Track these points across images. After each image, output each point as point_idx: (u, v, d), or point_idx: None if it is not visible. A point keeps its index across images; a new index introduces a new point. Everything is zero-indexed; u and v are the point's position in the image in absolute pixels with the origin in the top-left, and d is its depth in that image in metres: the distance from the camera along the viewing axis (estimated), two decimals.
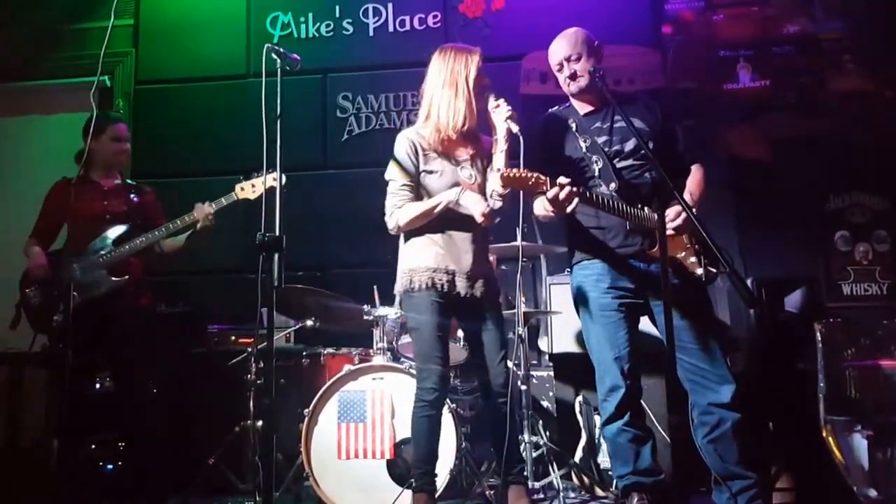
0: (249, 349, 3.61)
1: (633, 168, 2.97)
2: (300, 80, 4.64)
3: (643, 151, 2.89)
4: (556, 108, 3.14)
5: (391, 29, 4.94)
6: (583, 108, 3.09)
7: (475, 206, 2.84)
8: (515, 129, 2.80)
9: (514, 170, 2.64)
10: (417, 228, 2.92)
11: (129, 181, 3.73)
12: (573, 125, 3.04)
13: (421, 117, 3.00)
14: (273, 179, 2.81)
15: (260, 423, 3.38)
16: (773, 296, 3.46)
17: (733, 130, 4.54)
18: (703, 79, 4.63)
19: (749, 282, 3.66)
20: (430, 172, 2.94)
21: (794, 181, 4.34)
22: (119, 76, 5.02)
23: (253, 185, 3.29)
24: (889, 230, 4.21)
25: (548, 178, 2.68)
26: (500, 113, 2.88)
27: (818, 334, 2.40)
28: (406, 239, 2.99)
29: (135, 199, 3.64)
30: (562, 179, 2.68)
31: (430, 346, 2.89)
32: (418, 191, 2.96)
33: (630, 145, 2.97)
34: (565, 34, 3.04)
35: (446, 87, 2.94)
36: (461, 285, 2.90)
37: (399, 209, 2.95)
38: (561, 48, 3.01)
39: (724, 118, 4.58)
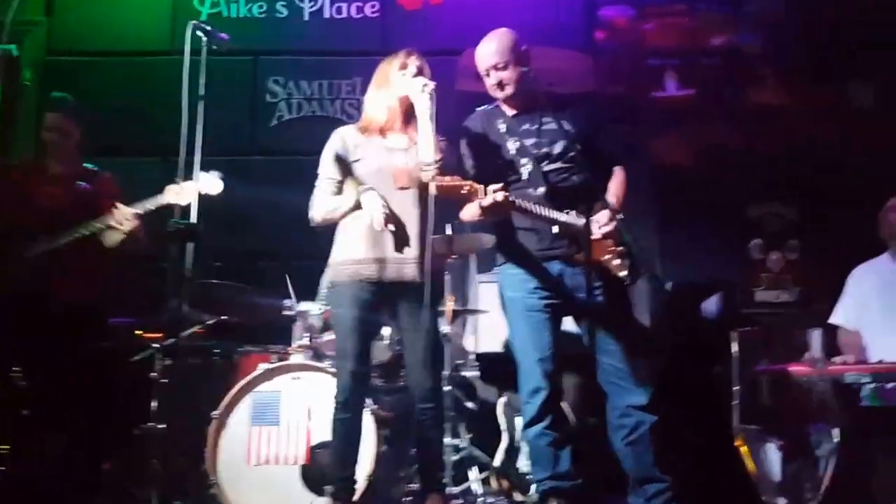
0: (155, 345, 3.39)
1: (561, 171, 2.99)
2: (229, 61, 4.45)
3: (571, 154, 2.93)
4: (485, 107, 3.13)
5: (327, 15, 4.86)
6: (510, 109, 3.09)
7: (373, 211, 2.83)
8: (424, 89, 2.81)
9: (447, 178, 2.65)
10: (351, 215, 2.91)
11: (87, 165, 3.53)
12: (502, 127, 3.04)
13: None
14: (208, 185, 2.83)
15: (163, 426, 3.17)
16: (691, 300, 3.58)
17: (659, 137, 4.63)
18: (632, 85, 4.72)
19: (668, 285, 3.74)
20: (357, 161, 2.96)
21: (714, 189, 4.44)
22: (28, 45, 4.69)
23: (182, 189, 3.04)
24: (800, 239, 4.34)
25: (481, 187, 2.69)
26: (415, 85, 2.88)
27: (734, 342, 2.40)
28: (340, 226, 2.98)
29: (84, 186, 3.45)
30: (495, 189, 2.71)
31: (348, 342, 2.84)
32: (342, 185, 2.98)
33: (558, 148, 2.99)
34: (492, 39, 3.01)
35: (373, 85, 3.05)
36: (394, 274, 2.86)
37: (317, 204, 2.98)
38: (488, 55, 2.99)
39: (650, 124, 4.67)
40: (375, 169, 2.95)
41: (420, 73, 2.93)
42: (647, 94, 4.71)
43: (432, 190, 2.61)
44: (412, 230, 2.89)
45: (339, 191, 2.99)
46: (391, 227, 2.84)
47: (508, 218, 2.92)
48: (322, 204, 2.96)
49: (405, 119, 2.99)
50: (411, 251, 2.87)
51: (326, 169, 3.00)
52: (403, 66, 2.97)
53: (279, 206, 4.01)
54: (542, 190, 2.93)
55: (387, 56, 3.07)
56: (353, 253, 2.91)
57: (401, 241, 2.88)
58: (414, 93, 2.87)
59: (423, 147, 2.81)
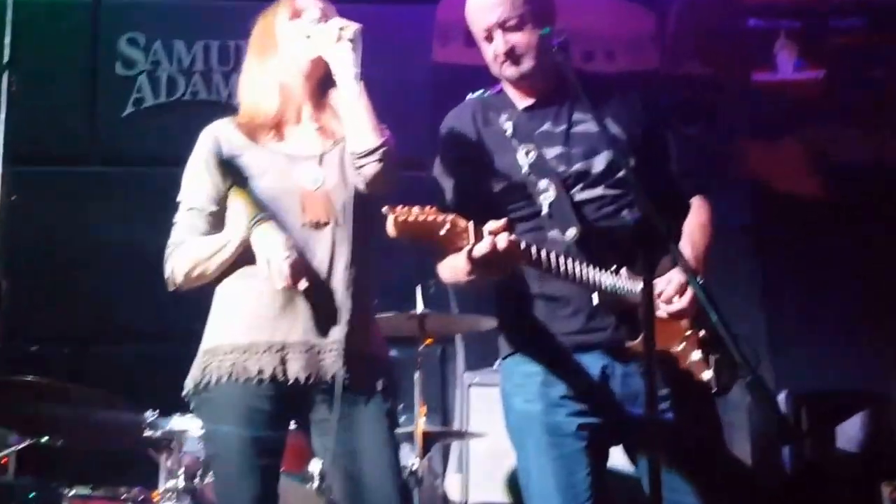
0: None
1: (605, 202, 3.05)
2: (53, 5, 4.51)
3: (621, 174, 2.98)
4: (481, 93, 3.23)
5: None
6: (523, 98, 3.15)
7: (272, 259, 2.85)
8: (341, 35, 2.93)
9: (409, 210, 2.64)
10: (233, 266, 2.97)
11: None
12: (508, 126, 3.11)
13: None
14: None
15: None
16: (820, 422, 3.54)
17: (762, 147, 4.65)
18: (721, 61, 4.71)
19: (782, 397, 3.69)
20: (243, 178, 3.02)
21: (854, 234, 4.42)
22: None
23: None
24: None
25: (471, 225, 2.70)
26: (325, 34, 2.97)
27: (886, 497, 2.35)
28: (218, 290, 3.05)
29: None
30: (495, 228, 2.72)
31: (236, 486, 2.87)
32: (218, 219, 3.03)
33: (600, 164, 3.05)
34: None
35: (251, 54, 3.14)
36: (308, 368, 2.90)
37: (177, 250, 3.02)
38: (490, 5, 3.05)
39: (749, 126, 4.69)
40: (271, 192, 3.00)
41: (324, 18, 3.01)
42: (746, 76, 4.74)
43: (390, 228, 2.61)
44: (339, 293, 2.94)
45: (215, 227, 3.03)
46: (303, 284, 2.87)
47: (518, 277, 2.97)
48: (186, 252, 2.99)
49: (315, 101, 3.08)
50: (337, 331, 2.91)
51: (192, 193, 3.06)
52: (296, 14, 3.05)
53: (134, 250, 4.10)
54: (572, 232, 2.98)
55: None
56: (237, 334, 2.93)
57: (321, 312, 2.92)
58: (325, 47, 2.93)
59: (354, 131, 2.89)
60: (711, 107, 4.49)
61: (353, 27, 2.89)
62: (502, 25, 3.04)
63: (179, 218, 3.04)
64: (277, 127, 3.07)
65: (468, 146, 3.11)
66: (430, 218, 2.66)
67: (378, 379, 2.96)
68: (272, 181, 3.00)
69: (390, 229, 2.61)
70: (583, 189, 3.05)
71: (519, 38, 3.05)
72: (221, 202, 3.04)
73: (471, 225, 2.70)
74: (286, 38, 3.04)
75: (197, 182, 3.05)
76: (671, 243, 2.72)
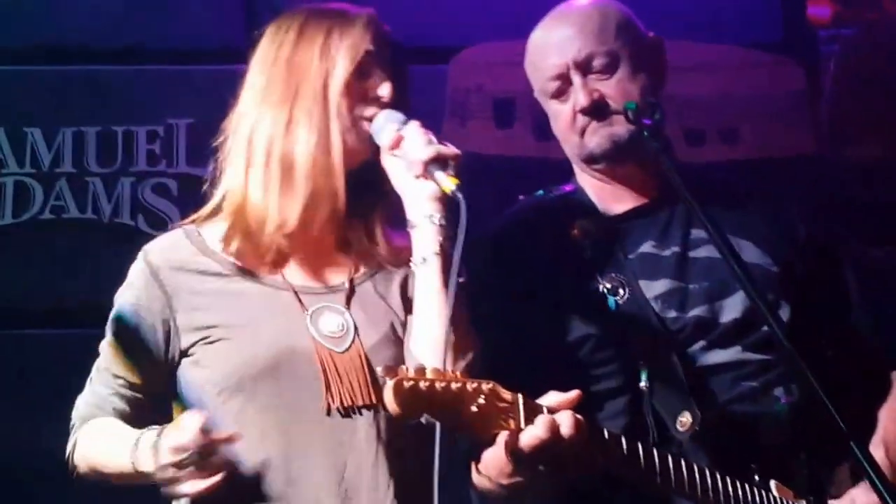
0: None
1: (743, 373, 2.57)
2: None
3: (763, 327, 2.51)
4: (542, 194, 2.84)
5: None
6: (611, 199, 2.74)
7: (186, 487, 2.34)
8: (450, 186, 2.35)
9: (421, 373, 2.15)
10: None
11: None
12: (585, 245, 2.67)
13: (212, 196, 2.61)
14: None
15: None
16: None
17: None
18: None
19: None
20: (211, 329, 2.47)
21: None
22: None
23: None
24: None
25: (518, 397, 2.22)
26: (414, 151, 2.39)
27: None
28: None
29: None
30: (555, 400, 2.25)
31: None
32: (154, 385, 2.54)
33: (734, 310, 2.58)
34: (573, 7, 2.74)
35: (274, 107, 2.52)
36: None
37: (79, 431, 2.57)
38: (564, 38, 2.66)
39: None
40: (263, 358, 2.45)
41: (395, 99, 2.47)
42: None
43: (390, 401, 2.13)
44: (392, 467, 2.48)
45: (140, 407, 2.52)
46: None
47: (597, 488, 2.53)
48: (84, 446, 2.54)
49: (351, 206, 2.54)
50: None
51: (115, 347, 2.56)
52: (361, 71, 2.49)
53: None
54: (688, 420, 2.50)
55: (282, 33, 2.59)
56: None
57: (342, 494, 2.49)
58: (403, 172, 2.42)
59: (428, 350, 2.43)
60: None
61: (451, 152, 2.37)
62: (584, 66, 2.61)
63: (94, 374, 2.59)
64: (277, 260, 2.55)
65: (519, 276, 2.63)
66: (457, 385, 2.18)
67: None
68: (268, 337, 2.48)
69: (391, 402, 2.12)
70: (706, 350, 2.57)
71: (610, 87, 2.61)
72: (160, 370, 2.54)
73: (520, 398, 2.24)
74: (338, 109, 2.48)
75: (126, 330, 2.62)
76: (853, 442, 2.12)
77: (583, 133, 2.60)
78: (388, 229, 2.61)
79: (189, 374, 2.50)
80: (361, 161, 2.50)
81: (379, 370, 2.17)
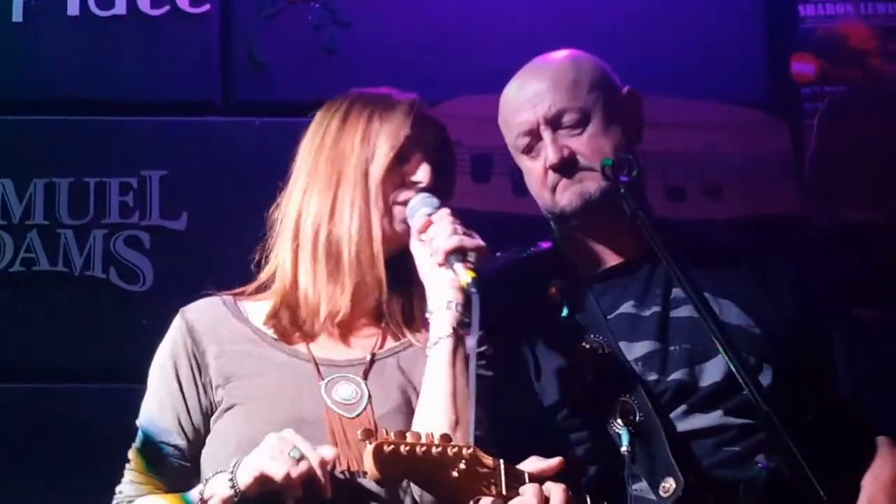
0: None
1: (725, 437, 2.53)
2: None
3: (743, 392, 2.37)
4: (517, 252, 2.83)
5: (73, 12, 4.15)
6: (589, 259, 2.72)
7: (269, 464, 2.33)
8: (466, 279, 2.38)
9: (401, 438, 2.18)
10: None
11: None
12: (563, 306, 2.64)
13: (262, 273, 2.69)
14: None
15: None
16: None
17: None
18: None
19: None
20: (233, 398, 2.52)
21: None
22: None
23: None
24: None
25: (500, 464, 2.23)
26: (438, 239, 2.43)
27: None
28: None
29: None
30: (537, 466, 2.26)
31: None
32: (188, 464, 2.55)
33: (715, 373, 2.53)
34: (546, 65, 2.71)
35: (320, 193, 2.58)
36: None
37: None
38: (534, 93, 2.64)
39: None
40: (272, 423, 2.46)
41: (433, 182, 2.52)
42: None
43: (369, 465, 2.14)
44: None
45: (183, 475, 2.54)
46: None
47: None
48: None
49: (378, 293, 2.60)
50: None
51: (151, 420, 2.62)
52: (400, 154, 2.53)
53: None
54: (670, 486, 2.46)
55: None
56: None
57: None
58: (428, 265, 2.47)
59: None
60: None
61: (473, 244, 2.38)
62: (554, 122, 2.59)
63: (132, 454, 2.61)
64: (309, 332, 2.60)
65: (494, 337, 2.53)
66: (437, 450, 2.19)
67: None
68: (280, 410, 2.51)
69: (370, 466, 2.15)
70: (687, 414, 2.54)
71: (581, 144, 2.58)
72: (197, 437, 2.57)
73: (501, 464, 2.24)
74: (376, 195, 2.52)
75: (156, 401, 2.62)
76: None
77: (554, 189, 2.58)
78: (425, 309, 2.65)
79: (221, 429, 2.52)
80: (402, 244, 2.52)
81: (359, 433, 2.15)
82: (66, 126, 4.31)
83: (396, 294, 2.62)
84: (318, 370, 2.52)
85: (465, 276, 2.35)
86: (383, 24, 4.16)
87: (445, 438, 2.20)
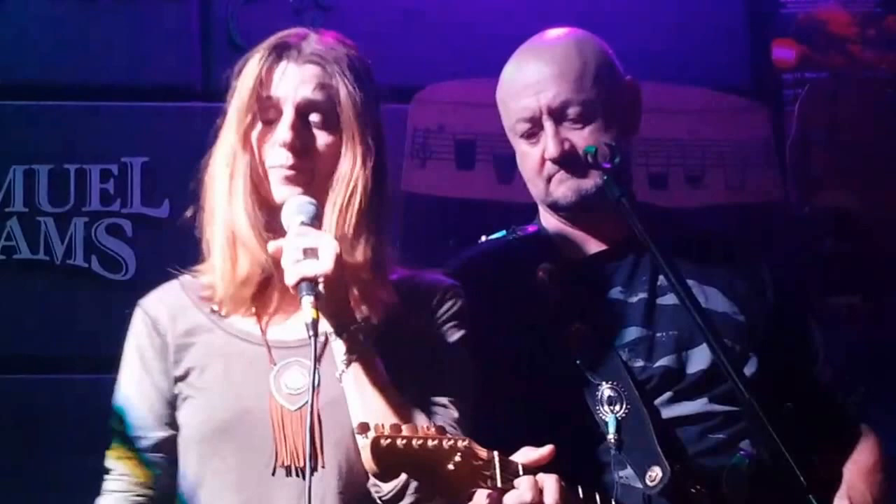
0: None
1: (710, 425, 2.55)
2: None
3: (725, 383, 2.48)
4: (503, 235, 2.80)
5: None
6: (577, 244, 2.71)
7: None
8: (307, 319, 2.26)
9: (397, 431, 2.19)
10: None
11: None
12: (549, 291, 2.62)
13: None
14: None
15: None
16: None
17: None
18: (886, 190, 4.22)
19: None
20: (186, 390, 2.49)
21: None
22: None
23: None
24: None
25: (494, 455, 2.23)
26: (285, 269, 2.29)
27: None
28: None
29: None
30: (530, 457, 2.25)
31: None
32: (166, 454, 2.51)
33: (701, 361, 2.55)
34: (546, 48, 2.66)
35: (221, 171, 2.48)
36: None
37: None
38: (538, 80, 2.58)
39: None
40: (220, 421, 2.43)
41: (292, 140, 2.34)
42: None
43: (367, 459, 2.19)
44: None
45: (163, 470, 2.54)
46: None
47: None
48: None
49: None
50: None
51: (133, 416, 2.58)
52: (265, 105, 2.39)
53: None
54: (657, 474, 2.45)
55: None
56: None
57: None
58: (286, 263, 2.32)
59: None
60: (877, 266, 3.89)
61: (317, 272, 2.22)
62: (557, 113, 2.54)
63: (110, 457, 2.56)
64: (261, 294, 2.51)
65: (480, 325, 2.51)
66: (433, 443, 2.20)
67: None
68: (229, 398, 2.49)
69: (368, 461, 2.19)
70: (673, 401, 2.55)
71: (583, 138, 2.55)
72: (166, 428, 2.51)
73: (496, 455, 2.23)
74: (242, 160, 2.42)
75: (132, 394, 2.57)
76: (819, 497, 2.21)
77: (549, 180, 2.56)
78: (386, 278, 2.48)
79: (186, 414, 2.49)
80: None
81: (355, 427, 2.16)
82: (45, 112, 4.29)
83: (357, 265, 2.48)
84: (270, 354, 2.46)
85: (309, 313, 2.22)
86: (365, 7, 4.15)
87: (440, 431, 2.20)
